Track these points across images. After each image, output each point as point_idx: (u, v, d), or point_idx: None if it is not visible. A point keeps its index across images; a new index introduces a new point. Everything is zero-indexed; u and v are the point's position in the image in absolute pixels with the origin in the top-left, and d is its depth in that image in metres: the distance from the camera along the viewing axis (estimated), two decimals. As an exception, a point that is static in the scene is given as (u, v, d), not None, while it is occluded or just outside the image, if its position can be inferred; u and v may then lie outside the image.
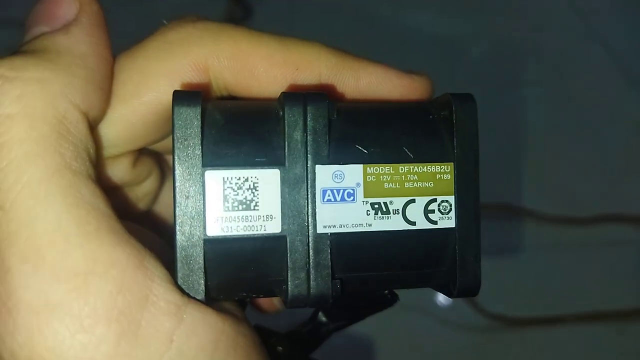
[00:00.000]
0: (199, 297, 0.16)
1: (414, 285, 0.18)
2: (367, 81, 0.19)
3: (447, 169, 0.17)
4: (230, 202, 0.16)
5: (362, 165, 0.17)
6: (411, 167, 0.17)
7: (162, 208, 0.22)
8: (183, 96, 0.16)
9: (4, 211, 0.14)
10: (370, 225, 0.17)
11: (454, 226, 0.17)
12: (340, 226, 0.16)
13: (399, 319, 0.51)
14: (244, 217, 0.16)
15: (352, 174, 0.16)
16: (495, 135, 0.63)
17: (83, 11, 0.16)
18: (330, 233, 0.16)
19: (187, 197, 0.16)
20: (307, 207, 0.16)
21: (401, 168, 0.17)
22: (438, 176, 0.17)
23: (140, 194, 0.20)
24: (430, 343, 0.54)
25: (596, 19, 0.71)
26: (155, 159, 0.21)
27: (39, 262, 0.14)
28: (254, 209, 0.16)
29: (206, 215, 0.16)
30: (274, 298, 0.24)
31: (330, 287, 0.16)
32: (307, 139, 0.16)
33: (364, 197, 0.16)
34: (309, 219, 0.16)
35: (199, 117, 0.16)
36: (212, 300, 0.16)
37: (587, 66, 0.68)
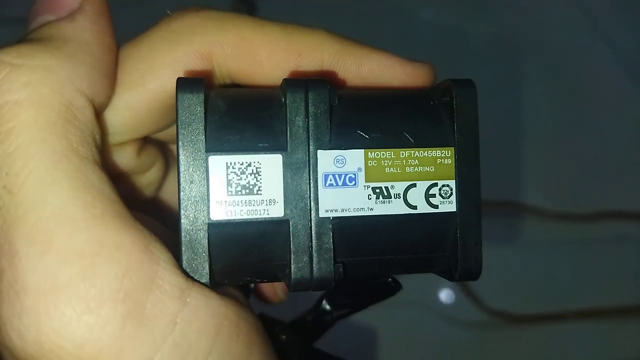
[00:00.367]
0: (203, 281, 0.16)
1: (417, 270, 0.19)
2: (369, 68, 0.19)
3: (448, 154, 0.17)
4: (234, 187, 0.16)
5: (363, 150, 0.17)
6: (412, 151, 0.17)
7: (166, 196, 0.22)
8: (186, 83, 0.16)
9: (12, 195, 0.14)
10: (371, 209, 0.17)
11: (454, 210, 0.17)
12: (342, 210, 0.17)
13: (400, 314, 0.51)
14: (247, 202, 0.16)
15: (354, 158, 0.17)
16: (497, 132, 0.63)
17: (87, 0, 0.17)
18: (332, 217, 0.16)
19: (191, 182, 0.16)
20: (309, 192, 0.16)
21: (402, 153, 0.17)
22: (439, 161, 0.17)
23: (145, 182, 0.21)
24: (431, 338, 0.54)
25: (600, 16, 0.70)
26: (160, 147, 0.21)
27: (46, 245, 0.14)
28: (257, 194, 0.16)
29: (210, 200, 0.16)
30: (277, 288, 0.25)
31: (332, 270, 0.17)
32: (308, 125, 0.16)
33: (366, 181, 0.17)
34: (311, 204, 0.16)
35: (202, 103, 0.16)
36: (216, 284, 0.17)
37: (590, 63, 0.68)
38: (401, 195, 0.17)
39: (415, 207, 0.17)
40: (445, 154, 0.17)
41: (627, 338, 0.54)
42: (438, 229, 0.17)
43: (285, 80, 0.17)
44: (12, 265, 0.14)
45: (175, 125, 0.16)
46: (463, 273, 0.17)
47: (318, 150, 0.16)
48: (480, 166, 0.17)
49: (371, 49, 0.19)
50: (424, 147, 0.17)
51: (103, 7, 0.17)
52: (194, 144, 0.16)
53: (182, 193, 0.16)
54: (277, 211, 0.16)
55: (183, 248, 0.16)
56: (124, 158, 0.19)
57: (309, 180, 0.16)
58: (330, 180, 0.17)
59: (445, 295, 0.56)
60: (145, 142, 0.20)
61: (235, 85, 0.19)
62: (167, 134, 0.20)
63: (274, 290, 0.25)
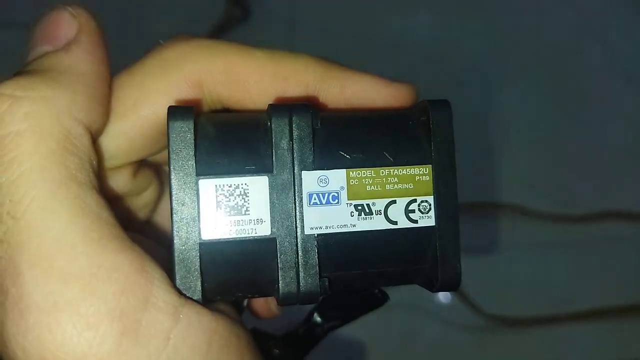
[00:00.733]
0: (195, 297, 0.17)
1: (400, 282, 0.19)
2: (352, 90, 0.20)
3: (426, 171, 0.18)
4: (223, 208, 0.17)
5: (345, 169, 0.18)
6: (391, 170, 0.18)
7: (161, 217, 0.23)
8: (177, 111, 0.17)
9: (15, 220, 0.15)
10: (354, 225, 0.18)
11: (434, 224, 0.18)
12: (327, 227, 0.17)
13: (395, 318, 0.52)
14: (236, 222, 0.17)
15: (336, 178, 0.18)
16: (492, 133, 0.64)
17: (82, 30, 0.18)
18: (317, 234, 0.17)
19: (183, 204, 0.17)
20: (295, 211, 0.17)
21: (382, 171, 0.18)
22: (417, 178, 0.18)
23: (140, 204, 0.22)
24: (427, 342, 0.54)
25: (595, 17, 0.71)
26: (155, 170, 0.22)
27: (48, 268, 0.15)
28: (245, 214, 0.17)
29: (201, 221, 0.17)
30: (270, 304, 0.26)
31: (318, 284, 0.17)
32: (293, 147, 0.17)
33: (348, 199, 0.18)
34: (297, 222, 0.17)
35: (192, 130, 0.17)
36: (208, 301, 0.18)
37: (585, 64, 0.69)
38: (382, 212, 0.18)
39: (395, 223, 0.18)
40: (423, 172, 0.18)
41: (624, 339, 0.54)
42: (418, 242, 0.18)
43: (270, 105, 0.18)
44: (17, 286, 0.15)
45: (167, 149, 0.17)
46: (443, 284, 0.18)
47: (302, 171, 0.17)
48: (457, 181, 0.18)
49: (354, 72, 0.20)
50: (402, 165, 0.18)
51: (98, 37, 0.18)
52: (185, 169, 0.17)
53: (174, 215, 0.17)
54: (264, 230, 0.17)
55: (176, 267, 0.17)
56: (120, 181, 0.20)
57: (294, 199, 0.17)
58: (315, 199, 0.18)
59: (441, 298, 0.56)
60: (141, 165, 0.21)
61: (225, 110, 0.20)
62: (161, 156, 0.21)
63: (267, 305, 0.25)
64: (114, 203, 0.20)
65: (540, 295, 0.56)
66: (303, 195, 0.17)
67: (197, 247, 0.17)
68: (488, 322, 0.54)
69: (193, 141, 0.17)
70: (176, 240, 0.17)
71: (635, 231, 0.59)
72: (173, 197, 0.17)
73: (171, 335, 0.16)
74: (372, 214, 0.18)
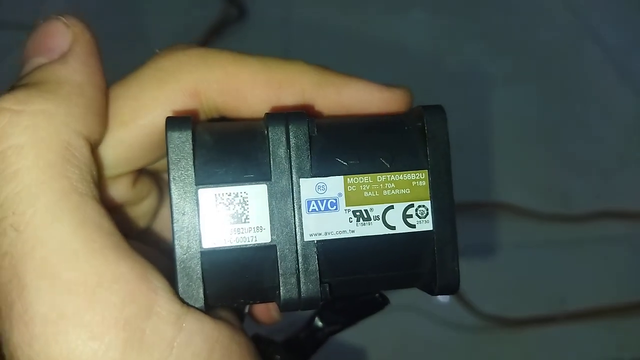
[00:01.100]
0: (198, 306, 0.17)
1: (399, 287, 0.20)
2: (348, 96, 0.20)
3: (422, 176, 0.18)
4: (223, 216, 0.17)
5: (342, 176, 0.18)
6: (388, 176, 0.18)
7: (161, 225, 0.23)
8: (175, 122, 0.17)
9: (19, 232, 0.15)
10: (353, 231, 0.18)
11: (431, 229, 0.18)
12: (326, 234, 0.18)
13: (392, 318, 0.52)
14: (236, 230, 0.17)
15: (334, 185, 0.18)
16: (488, 133, 0.64)
17: (77, 41, 0.18)
18: (317, 240, 0.18)
19: (183, 214, 0.17)
20: (294, 218, 0.18)
21: (379, 177, 0.18)
22: (414, 183, 0.18)
23: (140, 212, 0.22)
24: (423, 342, 0.55)
25: (589, 15, 0.71)
26: (154, 178, 0.22)
27: (52, 279, 0.15)
28: (245, 222, 0.17)
29: (201, 230, 0.17)
30: (271, 310, 0.26)
31: (319, 290, 0.18)
32: (290, 155, 0.18)
33: (346, 205, 0.18)
34: (296, 229, 0.18)
35: (190, 140, 0.17)
36: (210, 308, 0.18)
37: (580, 62, 0.69)
38: (380, 217, 0.18)
39: (394, 228, 0.18)
40: (419, 177, 0.18)
41: (619, 339, 0.55)
42: (416, 247, 0.18)
43: (267, 114, 0.18)
44: (22, 298, 0.15)
45: (166, 159, 0.18)
46: (442, 287, 0.18)
47: (300, 179, 0.18)
48: (453, 185, 0.19)
49: (350, 78, 0.20)
50: (399, 171, 0.18)
51: (92, 47, 0.18)
52: (185, 179, 0.17)
53: (175, 224, 0.17)
54: (264, 237, 0.17)
55: (178, 276, 0.17)
56: (120, 190, 0.20)
57: (293, 206, 0.18)
58: (313, 206, 0.18)
59: (438, 299, 0.56)
60: (140, 173, 0.21)
61: (222, 118, 0.20)
62: (159, 164, 0.21)
63: (268, 311, 0.26)
64: (114, 212, 0.21)
65: (536, 294, 0.57)
66: (302, 202, 0.18)
67: (198, 255, 0.17)
68: (485, 322, 0.55)
69: (192, 151, 0.17)
70: (177, 249, 0.17)
71: (631, 230, 0.59)
72: (173, 207, 0.17)
73: (174, 344, 0.16)
74: (371, 220, 0.18)
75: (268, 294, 0.18)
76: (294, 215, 0.18)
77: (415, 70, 0.64)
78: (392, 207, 0.18)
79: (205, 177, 0.17)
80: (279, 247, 0.17)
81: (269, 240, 0.17)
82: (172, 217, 0.17)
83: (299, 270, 0.17)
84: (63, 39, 0.18)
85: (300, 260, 0.18)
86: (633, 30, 0.72)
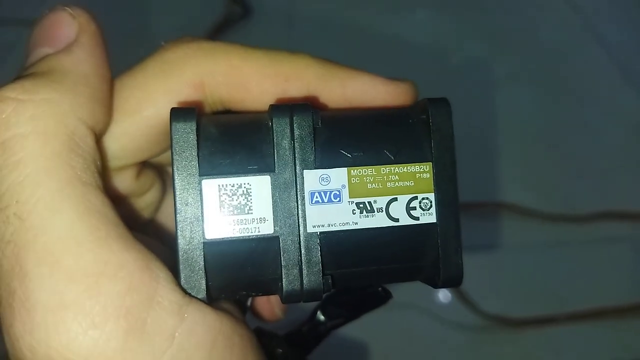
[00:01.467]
0: (200, 296, 0.17)
1: (403, 279, 0.20)
2: (353, 89, 0.20)
3: (426, 169, 0.18)
4: (226, 207, 0.17)
5: (346, 168, 0.18)
6: (392, 168, 0.18)
7: (164, 217, 0.23)
8: (179, 113, 0.17)
9: (22, 220, 0.15)
10: (356, 223, 0.18)
11: (435, 221, 0.18)
12: (329, 225, 0.18)
13: (394, 317, 0.52)
14: (239, 221, 0.17)
15: (338, 176, 0.18)
16: (491, 132, 0.64)
17: (83, 31, 0.18)
18: (320, 232, 0.18)
19: (187, 205, 0.17)
20: (297, 209, 0.17)
21: (383, 169, 0.18)
22: (418, 175, 0.18)
23: (144, 204, 0.22)
24: (425, 342, 0.54)
25: (592, 15, 0.71)
26: (158, 171, 0.22)
27: (54, 266, 0.15)
28: (248, 213, 0.17)
29: (204, 220, 0.17)
30: (275, 307, 0.26)
31: (321, 282, 0.18)
32: (294, 146, 0.18)
33: (350, 197, 0.18)
34: (299, 220, 0.17)
35: (194, 131, 0.17)
36: (213, 299, 0.18)
37: (582, 62, 0.69)
38: (384, 209, 0.18)
39: (397, 220, 0.18)
40: (423, 169, 0.18)
41: (621, 339, 0.54)
42: (420, 239, 0.18)
43: (271, 106, 0.18)
44: (23, 286, 0.15)
45: (170, 150, 0.17)
46: (446, 280, 0.18)
47: (304, 170, 0.18)
48: (457, 178, 0.18)
49: (355, 71, 0.20)
50: (403, 163, 0.18)
51: (98, 38, 0.18)
52: (188, 170, 0.17)
53: (178, 215, 0.17)
54: (267, 228, 0.17)
55: (181, 266, 0.17)
56: (124, 181, 0.20)
57: (297, 198, 0.17)
58: (317, 197, 0.18)
59: (439, 298, 0.56)
60: (144, 166, 0.21)
61: (226, 111, 0.20)
62: (164, 157, 0.21)
63: (271, 308, 0.26)
64: (118, 203, 0.21)
65: (538, 294, 0.56)
66: (305, 194, 0.18)
67: (201, 246, 0.17)
68: (486, 321, 0.54)
69: (196, 142, 0.17)
70: (180, 240, 0.17)
71: (634, 231, 0.59)
72: (177, 198, 0.17)
73: (176, 334, 0.16)
74: (374, 212, 0.18)
75: (271, 285, 0.18)
76: (297, 206, 0.18)
77: (418, 68, 0.64)
78: (395, 199, 0.18)
79: (209, 168, 0.17)
80: (281, 239, 0.17)
81: (272, 232, 0.17)
82: (175, 207, 0.17)
83: (301, 261, 0.17)
84: (69, 29, 0.18)
85: (303, 251, 0.17)
86: (637, 30, 0.72)
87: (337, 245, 0.18)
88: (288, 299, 0.18)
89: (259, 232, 0.17)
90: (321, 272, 0.18)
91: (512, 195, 0.60)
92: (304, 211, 0.18)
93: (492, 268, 0.57)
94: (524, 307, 0.55)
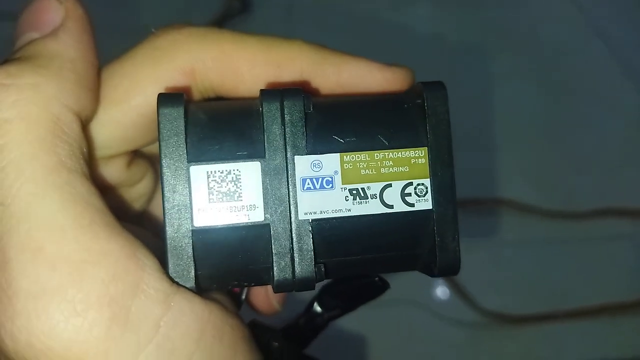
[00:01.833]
0: (188, 285, 0.17)
1: (398, 269, 0.19)
2: (348, 75, 0.19)
3: (422, 154, 0.18)
4: (215, 194, 0.17)
5: (338, 153, 0.17)
6: (386, 153, 0.18)
7: (156, 208, 0.23)
8: (167, 98, 0.17)
9: (4, 206, 0.15)
10: (349, 210, 0.17)
11: (431, 208, 0.18)
12: (321, 212, 0.17)
13: (393, 314, 0.51)
14: (229, 208, 0.17)
15: (330, 162, 0.17)
16: (492, 128, 0.64)
17: (69, 16, 0.18)
18: (312, 219, 0.17)
19: (175, 192, 0.17)
20: (288, 196, 0.17)
21: (376, 155, 0.18)
22: (413, 161, 0.18)
23: (135, 195, 0.22)
24: (424, 338, 0.54)
25: (595, 11, 0.71)
26: (149, 161, 0.22)
27: (36, 253, 0.15)
28: (238, 200, 0.17)
29: (193, 208, 0.17)
30: (272, 299, 0.25)
31: (314, 271, 0.17)
32: (285, 132, 0.17)
33: (342, 183, 0.17)
34: (291, 207, 0.17)
35: (182, 116, 0.17)
36: (203, 290, 0.17)
37: (584, 58, 0.68)
38: (377, 196, 0.17)
39: (391, 207, 0.18)
40: (418, 154, 0.18)
41: (621, 337, 0.54)
42: (415, 226, 0.18)
43: (261, 90, 0.18)
44: (5, 272, 0.15)
45: (158, 136, 0.17)
46: (442, 268, 0.18)
47: (295, 156, 0.17)
48: (453, 164, 0.18)
49: (349, 57, 0.20)
50: (397, 148, 0.18)
51: (85, 23, 0.18)
52: (176, 156, 0.17)
53: (166, 202, 0.17)
54: (257, 216, 0.17)
55: (169, 255, 0.17)
56: (114, 171, 0.20)
57: (288, 184, 0.17)
58: (308, 183, 0.17)
59: (438, 294, 0.56)
60: (135, 155, 0.21)
61: (218, 98, 0.20)
62: (155, 147, 0.21)
63: (267, 300, 0.25)
64: (109, 193, 0.20)
65: (537, 291, 0.56)
66: (296, 180, 0.17)
67: (189, 234, 0.17)
68: (485, 318, 0.54)
69: (183, 128, 0.17)
70: (168, 228, 0.17)
71: (635, 228, 0.58)
72: (164, 184, 0.17)
73: (161, 323, 0.15)
74: (368, 198, 0.17)
75: (262, 275, 0.18)
76: (289, 193, 0.17)
77: (418, 65, 0.64)
78: (390, 185, 0.18)
79: (198, 154, 0.17)
80: (272, 226, 0.17)
81: (263, 219, 0.17)
82: (162, 194, 0.17)
83: (293, 249, 0.17)
84: (55, 14, 0.18)
85: (294, 239, 0.17)
86: (638, 27, 0.71)
87: (329, 233, 0.17)
88: (279, 288, 0.17)
89: (249, 219, 0.17)
90: (313, 261, 0.17)
91: (512, 192, 0.60)
92: (295, 198, 0.17)
93: (491, 264, 0.57)
94: (523, 304, 0.55)
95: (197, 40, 0.19)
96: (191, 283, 0.17)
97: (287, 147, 0.17)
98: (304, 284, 0.17)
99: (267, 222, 0.17)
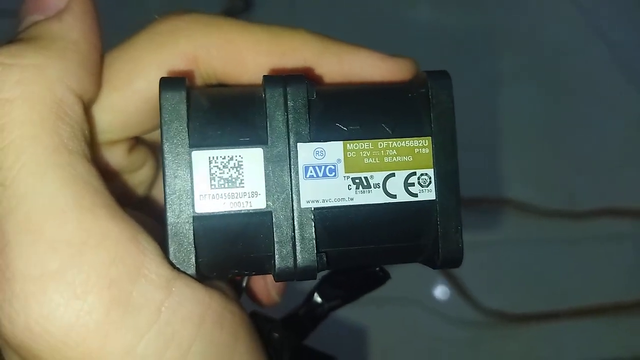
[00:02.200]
0: (189, 272, 0.16)
1: (400, 260, 0.19)
2: (351, 65, 0.19)
3: (425, 143, 0.18)
4: (217, 180, 0.17)
5: (342, 142, 0.17)
6: (390, 142, 0.17)
7: (158, 195, 0.23)
8: (169, 82, 0.17)
9: (4, 187, 0.15)
10: (352, 199, 0.17)
11: (434, 198, 0.18)
12: (323, 201, 0.17)
13: (394, 313, 0.51)
14: (230, 194, 0.17)
15: (333, 150, 0.17)
16: (492, 128, 0.63)
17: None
18: (314, 208, 0.17)
19: (176, 177, 0.17)
20: (291, 184, 0.17)
21: (380, 144, 0.17)
22: (417, 150, 0.18)
23: (137, 181, 0.21)
24: (425, 336, 0.54)
25: (595, 12, 0.71)
26: (151, 148, 0.22)
27: (36, 234, 0.14)
28: (239, 186, 0.17)
29: (194, 194, 0.17)
30: (271, 290, 0.25)
31: (315, 259, 0.17)
32: (288, 119, 0.17)
33: (345, 172, 0.17)
34: (293, 195, 0.17)
35: (184, 101, 0.17)
36: (204, 277, 0.17)
37: (584, 59, 0.68)
38: (380, 185, 0.17)
39: (395, 196, 0.17)
40: (422, 144, 0.18)
41: (622, 336, 0.54)
42: (418, 217, 0.18)
43: (264, 76, 0.18)
44: (4, 254, 0.14)
45: (159, 120, 0.17)
46: (445, 260, 0.18)
47: (298, 143, 0.17)
48: (457, 154, 0.18)
49: (353, 46, 0.20)
50: (401, 137, 0.18)
51: (89, 7, 0.18)
52: (178, 141, 0.17)
53: (167, 188, 0.17)
54: (259, 203, 0.17)
55: (169, 240, 0.16)
56: (116, 156, 0.20)
57: (290, 172, 0.17)
58: (311, 171, 0.17)
59: (439, 293, 0.56)
60: (137, 142, 0.21)
61: (220, 86, 0.20)
62: (157, 135, 0.21)
63: (267, 291, 0.25)
64: (111, 178, 0.20)
65: (539, 291, 0.56)
66: (299, 168, 0.17)
67: (190, 220, 0.17)
68: (487, 317, 0.54)
69: (186, 112, 0.17)
70: (169, 214, 0.17)
71: (634, 228, 0.58)
72: (165, 169, 0.17)
73: (162, 308, 0.15)
74: (370, 188, 0.17)
75: (263, 263, 0.17)
76: (291, 181, 0.17)
77: (420, 65, 0.63)
78: (393, 174, 0.17)
79: (200, 139, 0.17)
80: (274, 214, 0.17)
81: (264, 206, 0.17)
82: (164, 179, 0.17)
83: (294, 238, 0.17)
84: None
85: (296, 227, 0.17)
86: (638, 28, 0.71)
87: (331, 222, 0.17)
88: (281, 276, 0.17)
89: (250, 206, 0.17)
90: (315, 249, 0.17)
91: (514, 191, 0.60)
92: (297, 186, 0.17)
93: (493, 264, 0.57)
94: (524, 303, 0.55)
95: (201, 26, 0.19)
96: (192, 269, 0.16)
97: (290, 134, 0.17)
98: (306, 273, 0.17)
99: (269, 209, 0.17)
